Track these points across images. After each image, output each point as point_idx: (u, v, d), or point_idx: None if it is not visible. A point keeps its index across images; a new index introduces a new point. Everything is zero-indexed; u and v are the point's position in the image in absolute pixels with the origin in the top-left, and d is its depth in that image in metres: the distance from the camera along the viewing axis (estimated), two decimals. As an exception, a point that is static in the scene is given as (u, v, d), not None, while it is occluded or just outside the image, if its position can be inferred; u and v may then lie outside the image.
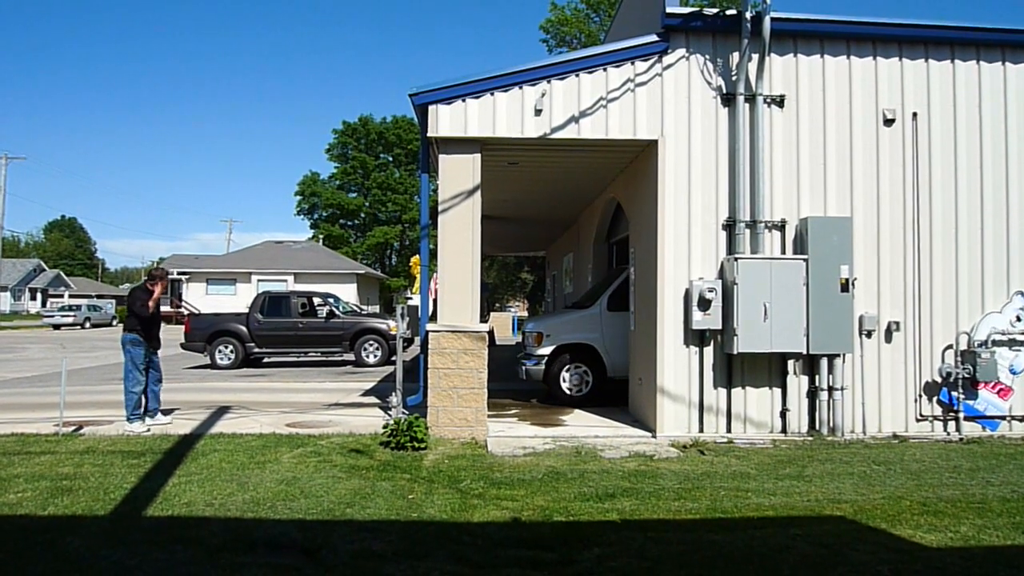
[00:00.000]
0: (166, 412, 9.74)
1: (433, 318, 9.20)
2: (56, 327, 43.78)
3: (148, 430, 8.82)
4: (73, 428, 8.90)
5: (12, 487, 6.22)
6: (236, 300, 38.26)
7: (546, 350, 11.15)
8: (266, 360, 19.11)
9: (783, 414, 8.67)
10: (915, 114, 8.88)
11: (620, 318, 11.07)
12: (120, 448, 7.80)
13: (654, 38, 8.69)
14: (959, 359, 8.76)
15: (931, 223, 8.85)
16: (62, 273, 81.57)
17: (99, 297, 68.01)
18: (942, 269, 8.84)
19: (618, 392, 10.97)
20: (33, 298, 74.01)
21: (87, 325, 45.13)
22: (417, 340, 10.12)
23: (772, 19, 8.41)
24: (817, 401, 8.61)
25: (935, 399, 8.82)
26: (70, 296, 70.03)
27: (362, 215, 67.20)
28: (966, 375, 8.65)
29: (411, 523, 5.37)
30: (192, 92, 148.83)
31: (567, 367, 11.09)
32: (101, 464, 7.07)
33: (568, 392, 11.06)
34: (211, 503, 5.77)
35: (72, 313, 45.68)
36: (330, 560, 4.58)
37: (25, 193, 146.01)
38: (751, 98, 8.68)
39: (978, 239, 8.88)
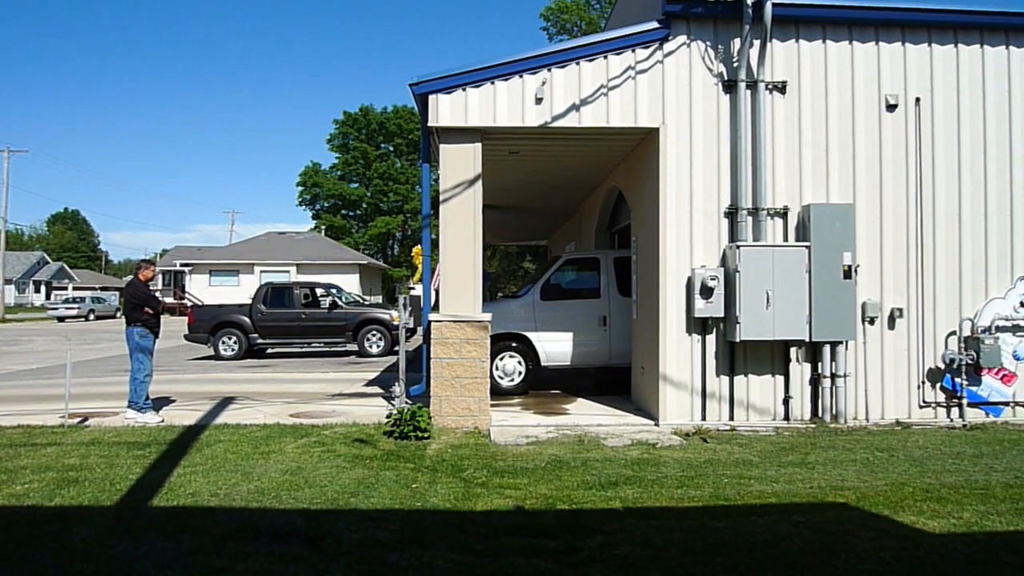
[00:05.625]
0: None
1: (436, 308, 9.20)
2: (60, 319, 43.93)
3: (162, 420, 8.85)
4: (79, 420, 8.94)
5: (19, 478, 6.26)
6: (239, 291, 38.23)
7: None
8: (269, 351, 19.15)
9: (786, 401, 8.68)
10: (918, 99, 8.83)
11: (554, 307, 11.12)
12: (125, 439, 7.84)
13: (655, 25, 8.64)
14: (962, 345, 8.74)
15: (934, 209, 8.82)
16: (66, 266, 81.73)
17: (103, 289, 68.05)
18: (945, 255, 8.82)
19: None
20: (37, 291, 74.21)
21: (91, 317, 45.26)
22: (420, 330, 10.14)
23: (773, 4, 8.33)
24: (820, 388, 8.61)
25: (938, 385, 8.82)
26: (74, 288, 70.22)
27: (364, 205, 67.12)
28: (969, 361, 8.64)
29: (415, 512, 5.39)
30: (193, 83, 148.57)
31: (500, 356, 10.93)
32: (107, 455, 7.11)
33: (501, 381, 10.90)
34: (216, 493, 5.81)
35: (76, 305, 45.80)
36: (334, 549, 4.61)
37: (28, 186, 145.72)
38: (753, 84, 8.64)
39: (982, 225, 8.85)
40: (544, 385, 11.83)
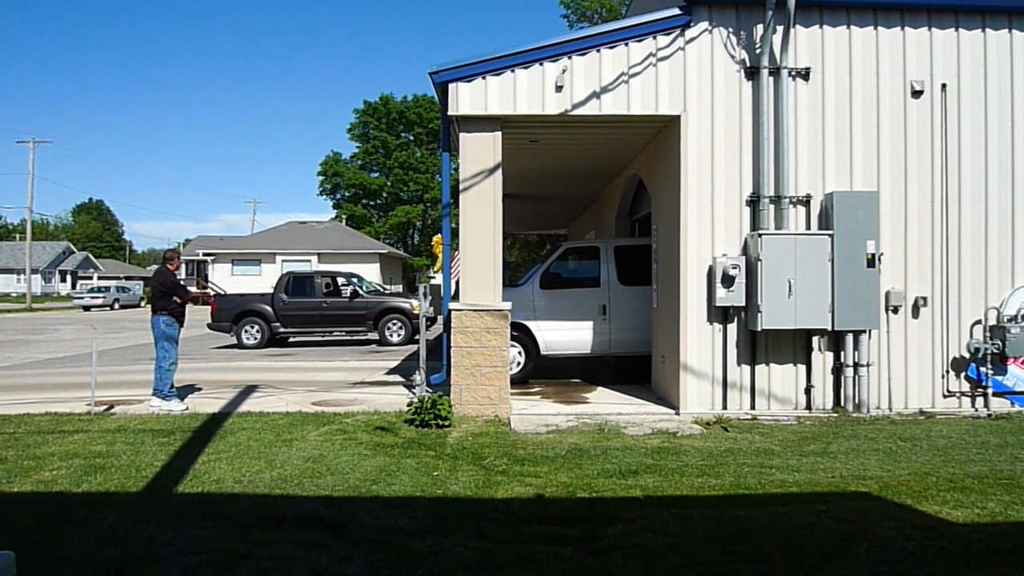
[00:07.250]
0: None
1: (456, 297, 9.23)
2: (86, 308, 44.62)
3: (187, 408, 8.97)
4: (105, 407, 9.09)
5: (47, 465, 6.38)
6: (261, 280, 38.56)
7: None
8: (291, 340, 19.32)
9: (808, 391, 8.61)
10: (944, 85, 8.68)
11: (554, 296, 11.07)
12: (151, 427, 7.96)
13: (676, 11, 8.55)
14: (988, 334, 8.61)
15: (960, 196, 8.68)
16: (91, 255, 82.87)
17: (127, 279, 69.05)
18: (971, 243, 8.68)
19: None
20: (63, 280, 75.34)
21: (116, 306, 45.89)
22: (440, 319, 10.18)
23: (797, -11, 8.22)
24: (842, 377, 8.54)
25: (963, 375, 8.71)
26: (99, 278, 71.20)
27: (384, 195, 67.44)
28: (995, 350, 8.51)
29: (436, 499, 5.43)
30: (215, 74, 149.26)
31: None
32: (132, 442, 7.22)
33: None
34: (240, 480, 5.88)
35: (101, 294, 46.50)
36: (357, 536, 4.65)
37: (53, 176, 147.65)
38: (775, 71, 8.53)
39: (1008, 212, 8.69)
40: (564, 375, 11.84)
